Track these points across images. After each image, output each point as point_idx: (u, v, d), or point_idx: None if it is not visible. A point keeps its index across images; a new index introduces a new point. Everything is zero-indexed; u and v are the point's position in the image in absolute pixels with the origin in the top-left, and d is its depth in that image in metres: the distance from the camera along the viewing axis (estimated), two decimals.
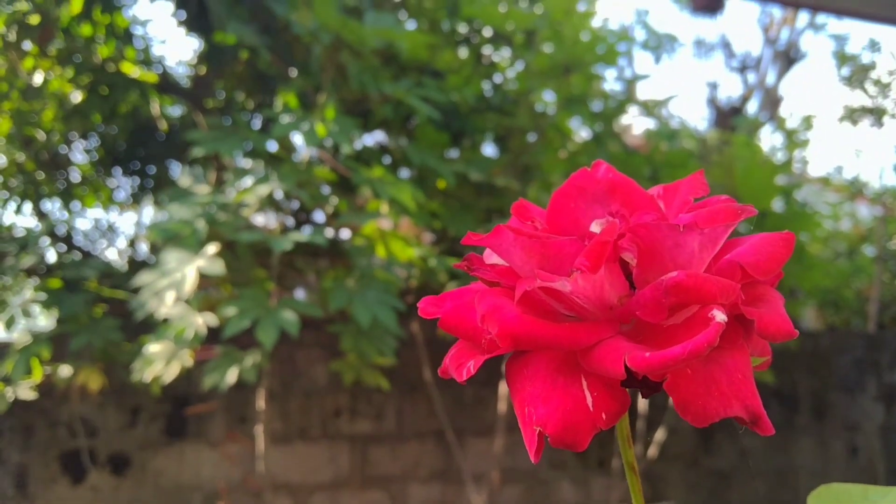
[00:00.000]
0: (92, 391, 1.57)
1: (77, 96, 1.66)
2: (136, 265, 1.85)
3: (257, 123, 1.93)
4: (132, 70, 1.89)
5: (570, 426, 0.24)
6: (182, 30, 1.77)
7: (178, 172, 2.06)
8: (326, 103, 1.37)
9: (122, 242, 2.24)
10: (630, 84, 3.02)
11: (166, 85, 2.07)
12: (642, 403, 2.06)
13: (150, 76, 1.96)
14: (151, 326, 1.44)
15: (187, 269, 1.17)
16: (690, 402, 0.24)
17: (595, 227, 0.31)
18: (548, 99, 1.98)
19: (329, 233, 1.85)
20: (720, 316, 0.23)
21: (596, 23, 2.02)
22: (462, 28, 2.02)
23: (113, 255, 2.23)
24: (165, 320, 1.24)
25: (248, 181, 1.34)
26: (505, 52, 2.10)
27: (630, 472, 0.30)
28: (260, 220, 1.91)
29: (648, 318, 0.25)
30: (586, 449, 0.24)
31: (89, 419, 1.85)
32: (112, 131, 1.97)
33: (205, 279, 1.28)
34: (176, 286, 1.16)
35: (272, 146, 1.80)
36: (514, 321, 0.25)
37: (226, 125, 1.46)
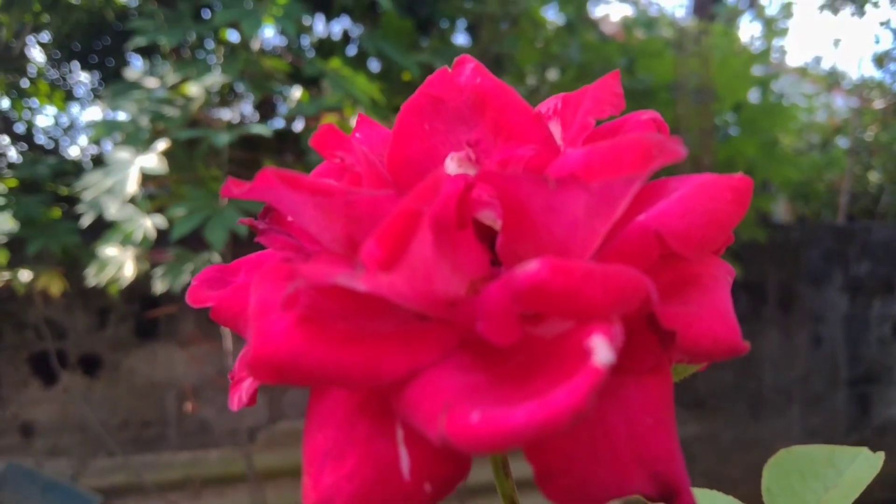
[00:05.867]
0: (53, 296, 1.54)
1: None
2: (102, 162, 1.80)
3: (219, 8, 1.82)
4: None
5: None
6: None
7: (140, 65, 1.96)
8: None
9: (84, 140, 2.16)
10: None
11: None
12: None
13: None
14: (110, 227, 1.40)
15: (130, 169, 1.11)
16: (562, 472, 0.15)
17: (451, 166, 0.21)
18: None
19: (298, 127, 1.79)
20: (603, 354, 0.13)
21: None
22: None
23: (76, 152, 2.16)
24: (114, 223, 1.20)
25: (183, 73, 1.26)
26: None
27: None
28: (227, 114, 1.84)
29: (492, 338, 0.15)
30: None
31: (57, 321, 1.83)
32: (62, 24, 1.85)
33: (157, 179, 1.23)
34: (119, 187, 1.11)
35: (233, 36, 1.71)
36: (279, 338, 0.15)
37: (170, 14, 1.37)
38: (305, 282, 0.15)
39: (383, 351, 0.15)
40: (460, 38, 2.06)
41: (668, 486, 0.15)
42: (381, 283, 0.14)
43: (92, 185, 1.19)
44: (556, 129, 0.22)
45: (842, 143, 3.55)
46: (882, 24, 3.36)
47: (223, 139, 1.12)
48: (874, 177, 3.53)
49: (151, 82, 1.33)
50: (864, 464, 0.30)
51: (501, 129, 0.21)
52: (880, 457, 0.30)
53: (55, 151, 2.07)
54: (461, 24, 1.99)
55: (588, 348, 0.13)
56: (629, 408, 0.15)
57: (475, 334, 0.15)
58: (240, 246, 1.59)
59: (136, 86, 1.32)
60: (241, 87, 1.59)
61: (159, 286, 1.21)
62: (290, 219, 0.21)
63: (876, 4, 3.19)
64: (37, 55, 1.99)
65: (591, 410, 0.13)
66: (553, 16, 2.10)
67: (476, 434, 0.13)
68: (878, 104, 3.40)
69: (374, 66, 1.82)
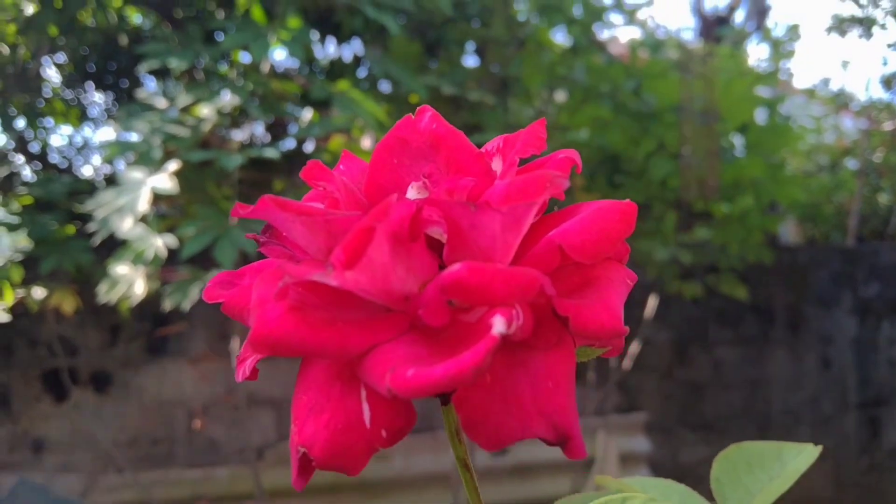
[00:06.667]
0: (66, 313, 1.56)
1: (30, 8, 1.58)
2: (114, 182, 1.82)
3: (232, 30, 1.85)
4: None
5: (341, 448, 0.20)
6: None
7: (153, 86, 2.00)
8: (286, 12, 1.31)
9: (97, 159, 2.20)
10: None
11: None
12: None
13: None
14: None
15: (142, 189, 1.14)
16: (480, 420, 0.20)
17: (412, 192, 0.27)
18: (525, 8, 1.91)
19: (309, 148, 1.81)
20: (499, 327, 0.18)
21: None
22: None
23: (89, 172, 2.19)
24: (126, 241, 1.22)
25: (195, 95, 1.29)
26: None
27: (463, 470, 0.26)
28: (238, 135, 1.86)
29: (429, 321, 0.20)
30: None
31: (69, 338, 1.86)
32: (77, 45, 1.89)
33: (168, 199, 1.26)
34: (131, 206, 1.13)
35: (246, 58, 1.74)
36: (273, 322, 0.20)
37: (181, 37, 1.40)
38: (291, 278, 0.20)
39: (351, 332, 0.20)
40: (469, 61, 2.09)
41: (562, 433, 0.20)
42: (347, 279, 0.19)
43: (104, 204, 1.21)
44: (497, 163, 0.27)
45: (851, 164, 3.55)
46: (890, 45, 3.36)
47: (233, 162, 1.15)
48: (883, 198, 3.52)
49: (164, 103, 1.35)
50: (806, 457, 0.32)
51: (452, 164, 0.26)
52: (818, 449, 0.33)
53: (69, 170, 2.11)
54: (469, 46, 2.02)
55: (490, 324, 0.19)
56: (534, 374, 0.21)
57: (420, 319, 0.21)
58: (247, 264, 1.61)
59: (148, 107, 1.34)
60: (252, 109, 1.62)
61: (168, 304, 1.23)
62: (284, 234, 0.25)
63: (883, 26, 3.21)
64: (53, 75, 2.03)
65: (488, 366, 0.18)
66: (562, 38, 2.12)
67: (409, 384, 0.18)
68: (888, 126, 3.40)
69: (385, 86, 1.85)
